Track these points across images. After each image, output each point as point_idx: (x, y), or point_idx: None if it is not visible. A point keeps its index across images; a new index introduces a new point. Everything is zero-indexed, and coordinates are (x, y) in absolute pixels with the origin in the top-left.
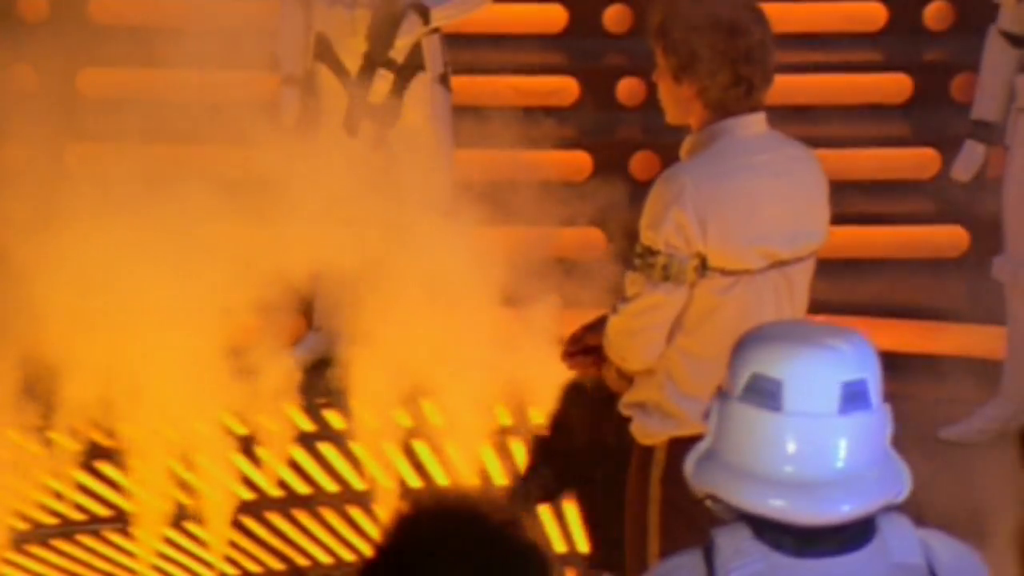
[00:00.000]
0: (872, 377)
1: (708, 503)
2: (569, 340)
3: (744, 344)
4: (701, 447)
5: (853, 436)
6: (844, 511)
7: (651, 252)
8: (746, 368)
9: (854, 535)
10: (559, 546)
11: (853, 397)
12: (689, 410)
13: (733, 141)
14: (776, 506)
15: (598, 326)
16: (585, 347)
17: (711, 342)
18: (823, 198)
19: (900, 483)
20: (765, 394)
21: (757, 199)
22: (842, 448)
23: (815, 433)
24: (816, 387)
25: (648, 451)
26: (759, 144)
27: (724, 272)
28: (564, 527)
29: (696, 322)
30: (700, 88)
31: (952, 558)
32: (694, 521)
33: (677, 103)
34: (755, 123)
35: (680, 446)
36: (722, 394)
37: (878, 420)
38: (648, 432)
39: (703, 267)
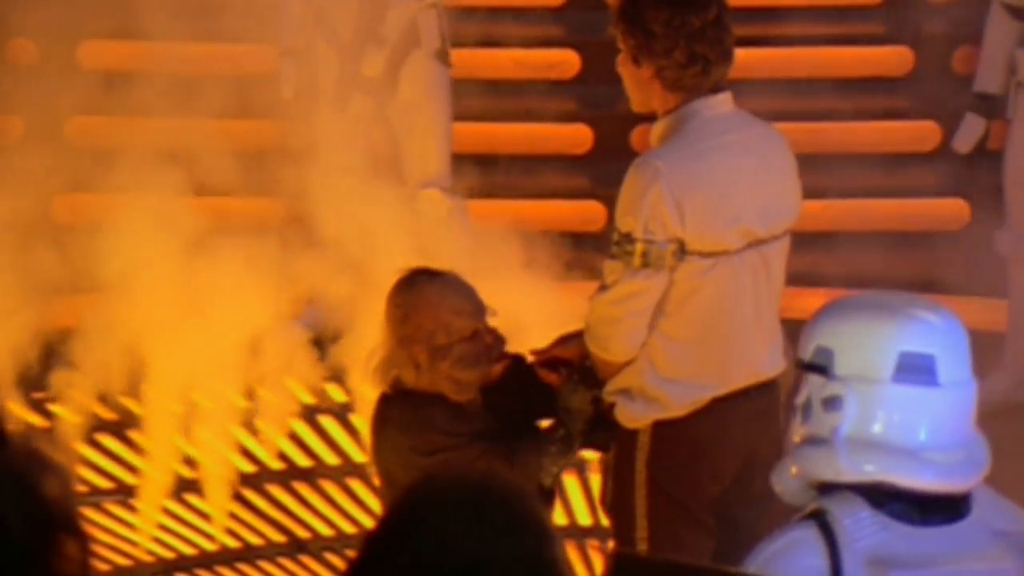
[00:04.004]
0: None
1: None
2: (538, 351)
3: (870, 326)
4: (841, 435)
5: (974, 400)
6: (977, 477)
7: (629, 239)
8: (889, 349)
9: (960, 504)
10: (584, 518)
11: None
12: (672, 394)
13: (702, 122)
14: (937, 480)
15: (570, 339)
16: (551, 358)
17: (690, 324)
18: (793, 175)
19: (987, 449)
20: (920, 371)
21: (731, 179)
22: (974, 413)
23: (962, 401)
24: (960, 356)
25: (632, 435)
26: (728, 124)
27: (703, 255)
28: (589, 499)
29: (676, 305)
30: (657, 68)
31: None
32: (680, 503)
33: (639, 87)
34: (722, 103)
35: (664, 429)
36: (859, 379)
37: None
38: (632, 416)
39: (681, 251)
